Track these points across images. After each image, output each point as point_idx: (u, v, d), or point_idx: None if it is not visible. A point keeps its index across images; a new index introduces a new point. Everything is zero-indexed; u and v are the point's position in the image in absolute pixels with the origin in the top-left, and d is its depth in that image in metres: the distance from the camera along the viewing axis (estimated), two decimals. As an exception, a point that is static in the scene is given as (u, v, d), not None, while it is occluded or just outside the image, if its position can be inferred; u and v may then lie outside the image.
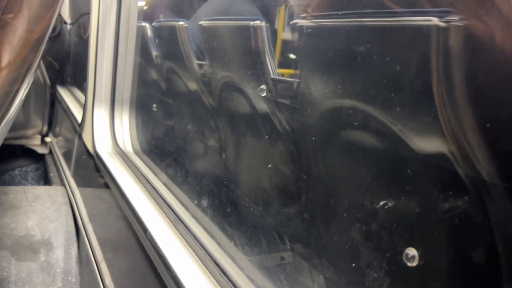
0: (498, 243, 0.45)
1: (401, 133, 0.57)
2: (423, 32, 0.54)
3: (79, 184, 1.76)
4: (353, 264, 0.62)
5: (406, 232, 0.52)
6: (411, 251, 0.46)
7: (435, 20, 0.53)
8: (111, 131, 1.44)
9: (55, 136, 2.64)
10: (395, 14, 0.60)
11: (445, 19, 0.52)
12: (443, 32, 0.52)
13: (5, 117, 0.77)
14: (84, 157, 1.62)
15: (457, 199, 0.50)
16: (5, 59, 0.70)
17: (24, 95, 0.81)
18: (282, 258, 0.79)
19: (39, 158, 2.77)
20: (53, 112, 2.74)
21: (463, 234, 0.48)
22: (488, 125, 0.48)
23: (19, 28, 0.67)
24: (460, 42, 0.50)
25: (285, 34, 0.98)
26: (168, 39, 1.40)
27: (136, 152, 1.39)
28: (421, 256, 0.48)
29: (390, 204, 0.54)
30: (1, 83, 0.70)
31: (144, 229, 0.87)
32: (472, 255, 0.48)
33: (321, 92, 0.72)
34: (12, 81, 0.72)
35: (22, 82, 0.74)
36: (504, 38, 0.45)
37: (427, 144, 0.55)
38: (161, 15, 1.52)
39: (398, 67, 0.57)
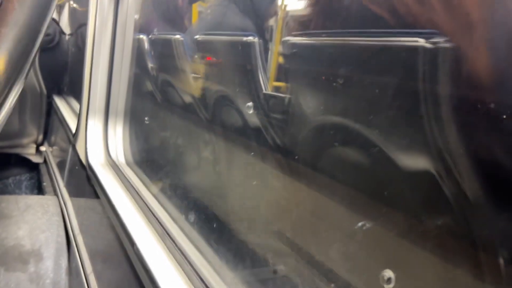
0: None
1: (388, 151, 0.57)
2: (410, 52, 0.55)
3: (71, 195, 1.76)
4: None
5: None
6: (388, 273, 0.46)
7: (421, 41, 0.53)
8: (104, 142, 1.44)
9: (50, 145, 2.64)
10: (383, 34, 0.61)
11: (432, 40, 0.52)
12: (430, 53, 0.52)
13: None
14: (77, 167, 1.61)
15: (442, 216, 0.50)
16: None
17: (13, 103, 0.80)
18: (275, 272, 0.79)
19: (33, 167, 2.76)
20: (49, 121, 2.74)
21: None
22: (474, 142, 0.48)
23: (9, 34, 0.67)
24: (446, 63, 0.51)
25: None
26: (164, 52, 1.41)
27: (128, 164, 1.39)
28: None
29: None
30: None
31: (132, 242, 0.87)
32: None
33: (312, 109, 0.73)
34: (1, 88, 0.71)
35: (10, 88, 0.74)
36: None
37: (414, 161, 0.55)
38: (155, 29, 1.53)
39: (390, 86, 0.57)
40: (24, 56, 0.62)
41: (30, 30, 0.60)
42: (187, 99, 1.25)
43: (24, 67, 0.63)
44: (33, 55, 0.64)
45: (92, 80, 1.45)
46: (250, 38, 0.95)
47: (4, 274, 1.46)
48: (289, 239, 0.74)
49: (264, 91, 0.91)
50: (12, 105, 0.71)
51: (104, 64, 1.44)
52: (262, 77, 0.93)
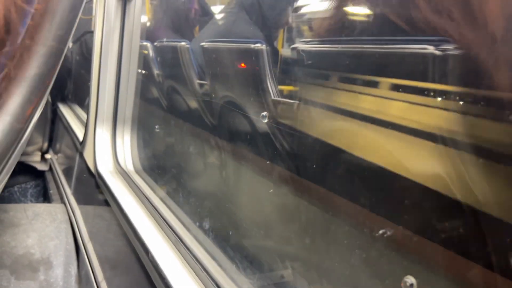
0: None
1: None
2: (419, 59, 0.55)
3: (79, 202, 1.76)
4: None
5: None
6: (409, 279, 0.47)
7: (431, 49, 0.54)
8: (112, 149, 1.45)
9: (55, 153, 2.65)
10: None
11: (441, 47, 0.53)
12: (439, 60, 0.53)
13: (24, 134, 0.78)
14: (85, 175, 1.62)
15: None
16: (24, 79, 0.71)
17: (39, 113, 0.82)
18: (282, 276, 0.79)
19: (38, 175, 2.77)
20: (53, 129, 2.75)
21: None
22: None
23: (40, 48, 0.69)
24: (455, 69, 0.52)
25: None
26: (170, 59, 1.42)
27: (137, 171, 1.40)
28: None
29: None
30: (21, 102, 0.72)
31: (146, 250, 0.88)
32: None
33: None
34: (31, 100, 0.73)
35: (39, 101, 0.76)
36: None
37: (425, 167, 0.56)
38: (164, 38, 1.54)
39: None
40: (51, 71, 0.63)
41: (57, 45, 0.62)
42: (194, 105, 1.26)
43: (51, 80, 0.65)
44: (58, 68, 0.66)
45: (100, 88, 1.47)
46: (258, 45, 0.96)
47: (14, 283, 1.46)
48: (304, 243, 0.75)
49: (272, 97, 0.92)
50: (37, 116, 0.73)
51: (112, 72, 1.45)
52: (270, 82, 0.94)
